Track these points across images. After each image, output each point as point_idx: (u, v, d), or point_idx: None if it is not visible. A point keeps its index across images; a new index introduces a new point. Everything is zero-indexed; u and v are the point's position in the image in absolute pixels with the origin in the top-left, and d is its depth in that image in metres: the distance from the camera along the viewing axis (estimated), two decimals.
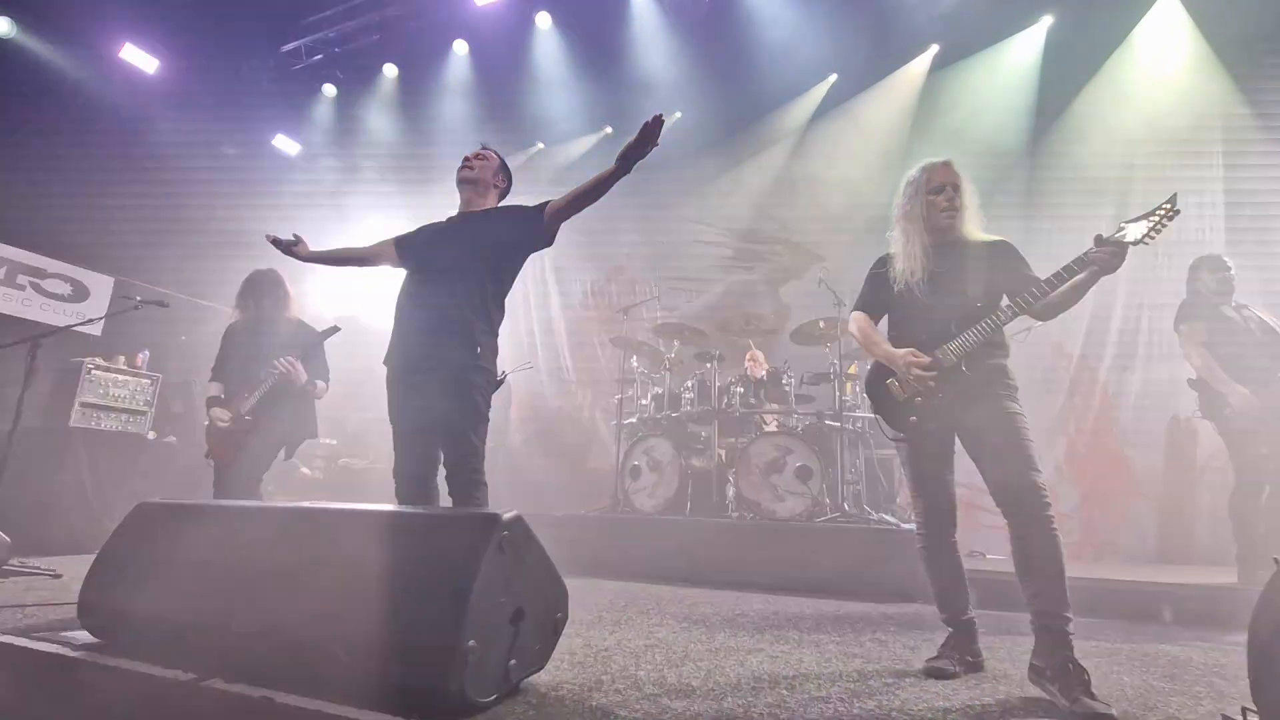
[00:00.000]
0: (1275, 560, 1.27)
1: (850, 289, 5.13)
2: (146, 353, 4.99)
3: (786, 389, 4.75)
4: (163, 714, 1.56)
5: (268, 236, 2.65)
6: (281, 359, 3.31)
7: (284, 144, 7.65)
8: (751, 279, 6.82)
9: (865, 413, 4.99)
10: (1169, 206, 1.85)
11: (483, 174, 2.62)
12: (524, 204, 2.54)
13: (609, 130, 7.29)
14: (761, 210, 6.86)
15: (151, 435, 4.84)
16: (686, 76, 6.28)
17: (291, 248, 2.64)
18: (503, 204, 2.68)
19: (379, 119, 7.52)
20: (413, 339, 2.37)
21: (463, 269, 2.41)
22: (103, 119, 5.59)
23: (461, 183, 2.62)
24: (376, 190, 7.37)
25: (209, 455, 3.41)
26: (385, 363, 2.46)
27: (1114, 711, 1.55)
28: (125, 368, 4.78)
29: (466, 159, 2.66)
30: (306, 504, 1.81)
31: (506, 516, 1.49)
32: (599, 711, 1.49)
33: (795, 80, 6.37)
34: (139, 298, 3.71)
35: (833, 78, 6.44)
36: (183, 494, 4.13)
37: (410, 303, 2.44)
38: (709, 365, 4.95)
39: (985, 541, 5.21)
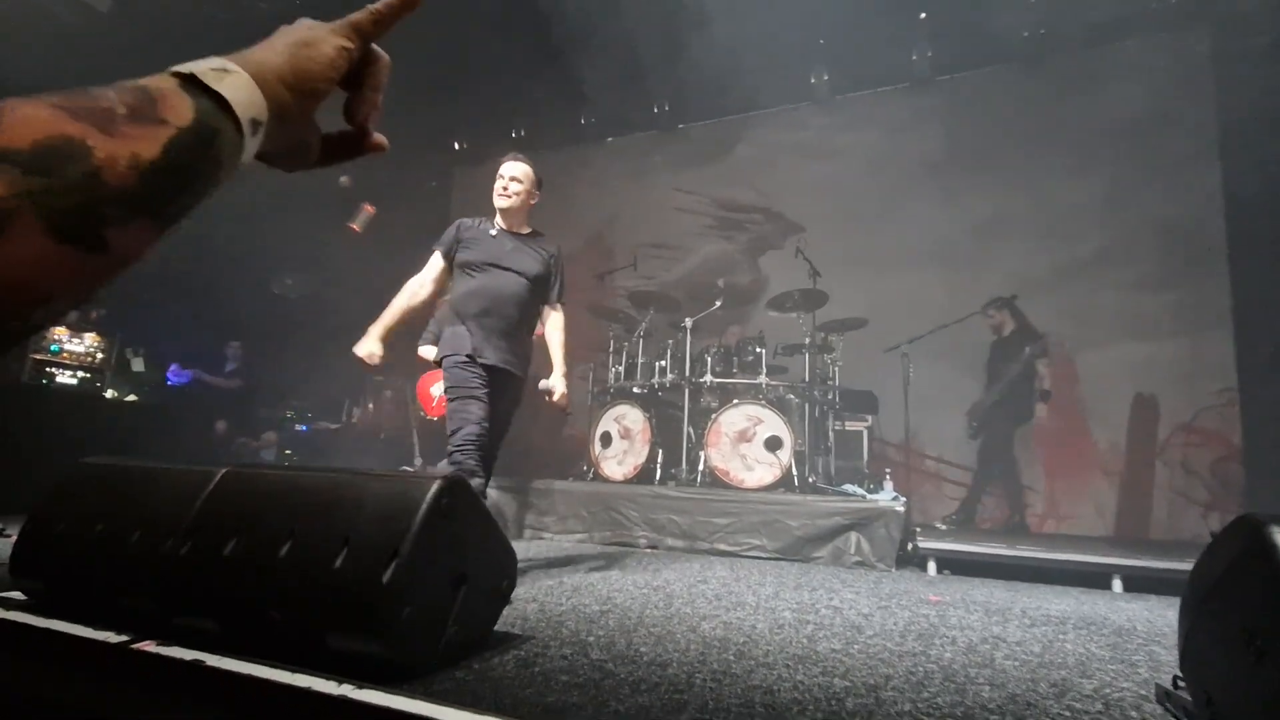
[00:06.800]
0: (1211, 534, 1.28)
1: (827, 259, 5.19)
2: (103, 309, 4.84)
3: (759, 359, 4.73)
4: (93, 676, 1.52)
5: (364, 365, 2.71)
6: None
7: None
8: (730, 248, 6.76)
9: (836, 384, 5.01)
10: None
11: (520, 200, 2.80)
12: (560, 275, 2.93)
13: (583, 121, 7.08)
14: (742, 179, 6.77)
15: (110, 394, 4.72)
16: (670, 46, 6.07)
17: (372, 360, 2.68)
18: (554, 259, 2.89)
19: None
20: (495, 341, 2.68)
21: (524, 295, 2.75)
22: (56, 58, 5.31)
23: (501, 210, 2.82)
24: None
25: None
26: (471, 355, 2.64)
27: None
28: (80, 322, 4.63)
29: (505, 186, 2.77)
30: (244, 465, 1.76)
31: (446, 481, 1.46)
32: (539, 677, 1.48)
33: (783, 63, 6.18)
34: None
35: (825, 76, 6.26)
36: (141, 454, 4.04)
37: (488, 308, 2.69)
38: (682, 333, 4.91)
39: (949, 512, 5.32)
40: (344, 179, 7.65)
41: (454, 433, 2.58)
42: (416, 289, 2.76)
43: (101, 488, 1.83)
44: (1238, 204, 4.90)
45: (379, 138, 0.57)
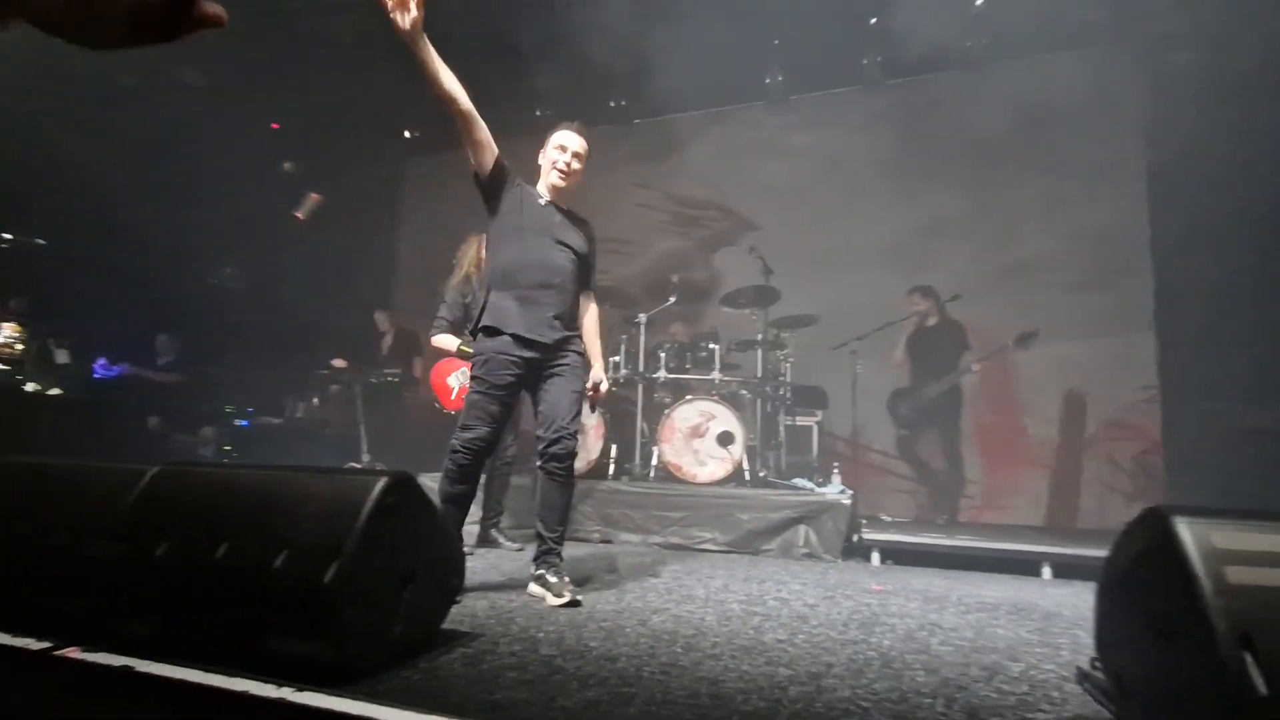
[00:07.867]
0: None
1: (780, 257, 5.27)
2: (23, 298, 4.56)
3: (713, 355, 4.78)
4: (14, 685, 1.44)
5: None
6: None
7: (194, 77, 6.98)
8: (685, 244, 6.81)
9: (787, 380, 5.11)
10: None
11: (576, 179, 2.62)
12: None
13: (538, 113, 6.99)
14: (698, 176, 6.81)
15: (31, 387, 4.45)
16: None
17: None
18: (594, 241, 2.71)
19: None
20: (546, 317, 2.47)
21: (575, 273, 2.58)
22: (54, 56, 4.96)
23: (554, 187, 2.61)
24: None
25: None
26: (508, 333, 2.41)
27: None
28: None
29: (567, 163, 2.55)
30: (178, 463, 1.70)
31: (391, 479, 1.43)
32: (488, 675, 1.47)
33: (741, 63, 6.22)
34: (8, 236, 3.37)
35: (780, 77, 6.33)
36: (68, 451, 3.84)
37: (545, 281, 2.48)
38: (636, 329, 4.92)
39: (894, 504, 5.50)
40: (288, 164, 7.37)
41: (464, 428, 2.38)
42: (466, 97, 2.32)
43: (24, 487, 1.74)
44: (1160, 212, 5.19)
45: (212, 6, 0.45)
